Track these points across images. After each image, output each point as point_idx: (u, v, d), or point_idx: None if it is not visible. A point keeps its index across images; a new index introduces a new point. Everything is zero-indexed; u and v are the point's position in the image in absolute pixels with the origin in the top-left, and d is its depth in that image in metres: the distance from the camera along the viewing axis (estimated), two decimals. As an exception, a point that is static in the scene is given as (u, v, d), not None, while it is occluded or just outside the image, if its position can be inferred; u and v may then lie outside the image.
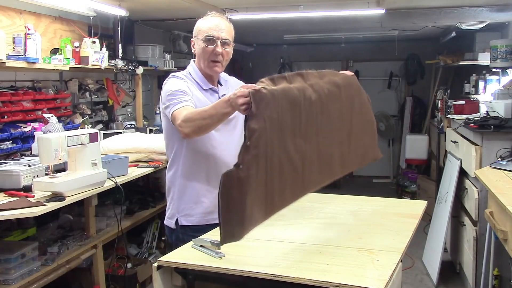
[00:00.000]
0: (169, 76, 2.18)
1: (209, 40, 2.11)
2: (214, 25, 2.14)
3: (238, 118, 2.18)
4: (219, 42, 2.12)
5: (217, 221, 1.61)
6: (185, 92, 2.06)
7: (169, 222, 2.21)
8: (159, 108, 5.30)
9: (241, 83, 2.32)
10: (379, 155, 2.16)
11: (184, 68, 2.31)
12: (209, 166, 2.14)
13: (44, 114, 3.15)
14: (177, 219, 2.17)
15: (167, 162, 2.29)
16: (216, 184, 1.85)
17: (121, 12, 3.93)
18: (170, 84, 2.10)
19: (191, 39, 2.22)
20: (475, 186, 3.44)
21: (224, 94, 2.18)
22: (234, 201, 1.45)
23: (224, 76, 2.32)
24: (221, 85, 2.27)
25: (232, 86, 2.29)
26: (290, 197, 1.63)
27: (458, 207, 3.93)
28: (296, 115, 1.59)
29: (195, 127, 1.87)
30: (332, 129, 1.78)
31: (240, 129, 2.21)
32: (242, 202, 1.45)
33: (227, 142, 2.16)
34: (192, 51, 2.22)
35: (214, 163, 2.13)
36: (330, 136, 1.76)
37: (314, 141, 1.66)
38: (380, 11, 4.26)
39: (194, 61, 2.25)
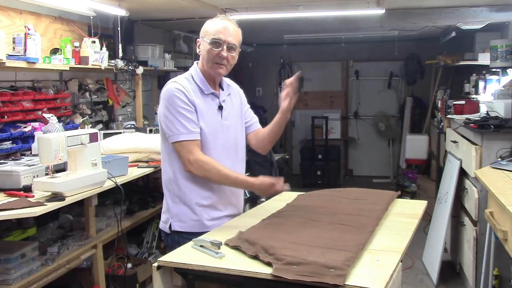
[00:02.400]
0: (172, 81, 2.13)
1: (216, 43, 2.08)
2: (222, 28, 2.10)
3: (239, 143, 2.25)
4: (225, 46, 2.09)
5: (208, 230, 2.03)
6: (190, 111, 2.07)
7: (163, 226, 2.21)
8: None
9: (241, 91, 2.38)
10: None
11: (184, 68, 2.33)
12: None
13: (44, 114, 3.15)
14: (170, 224, 2.15)
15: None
16: (214, 192, 2.13)
17: (121, 12, 3.93)
18: (174, 95, 2.07)
19: (197, 39, 2.18)
20: (475, 186, 3.44)
21: (224, 100, 2.21)
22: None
23: (226, 80, 2.31)
24: (222, 89, 2.24)
25: (234, 94, 2.30)
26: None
27: (458, 207, 3.93)
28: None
29: (204, 176, 2.06)
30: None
31: (241, 151, 2.29)
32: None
33: (231, 163, 2.18)
34: (197, 51, 2.19)
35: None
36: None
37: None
38: (380, 11, 4.26)
39: (197, 63, 2.21)
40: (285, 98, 2.17)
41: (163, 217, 2.23)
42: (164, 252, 3.39)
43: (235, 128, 2.25)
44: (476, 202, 3.38)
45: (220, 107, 2.19)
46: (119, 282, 3.35)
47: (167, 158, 2.18)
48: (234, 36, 2.13)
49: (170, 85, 2.11)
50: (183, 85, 2.11)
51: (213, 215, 2.15)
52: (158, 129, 2.31)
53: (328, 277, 1.42)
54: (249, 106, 2.39)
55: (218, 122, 2.16)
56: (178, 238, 2.10)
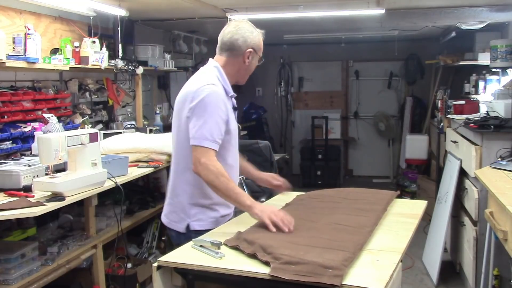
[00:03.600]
0: (211, 84, 2.08)
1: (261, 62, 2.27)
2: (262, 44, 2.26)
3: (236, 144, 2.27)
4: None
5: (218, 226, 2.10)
6: (223, 121, 2.08)
7: (176, 226, 2.20)
8: (159, 107, 5.29)
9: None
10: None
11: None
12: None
13: (44, 114, 3.15)
14: (188, 224, 2.16)
15: (169, 161, 2.30)
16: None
17: (121, 12, 3.93)
18: (216, 103, 2.06)
19: (249, 49, 2.17)
20: (475, 186, 3.44)
21: (235, 107, 2.27)
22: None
23: None
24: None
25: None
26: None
27: (458, 207, 3.93)
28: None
29: (210, 181, 2.00)
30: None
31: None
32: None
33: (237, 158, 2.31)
34: (246, 62, 2.19)
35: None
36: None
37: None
38: (380, 11, 4.26)
39: (218, 63, 2.21)
40: (273, 185, 2.46)
41: (175, 216, 2.21)
42: (164, 252, 3.39)
43: (236, 141, 2.29)
44: (476, 202, 3.38)
45: (235, 108, 2.26)
46: (119, 282, 3.35)
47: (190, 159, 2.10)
48: None
49: (212, 89, 2.07)
50: (221, 92, 2.12)
51: (224, 212, 2.23)
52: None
53: (326, 277, 1.43)
54: None
55: (235, 123, 2.24)
56: (196, 236, 2.05)
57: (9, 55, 2.97)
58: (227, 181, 2.00)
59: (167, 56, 5.16)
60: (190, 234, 2.11)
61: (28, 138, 3.23)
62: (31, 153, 3.16)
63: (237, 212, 2.26)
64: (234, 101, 2.27)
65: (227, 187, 1.99)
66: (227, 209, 2.23)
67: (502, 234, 2.42)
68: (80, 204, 3.01)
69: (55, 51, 3.54)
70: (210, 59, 2.28)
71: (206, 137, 2.01)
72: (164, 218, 2.29)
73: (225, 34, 2.19)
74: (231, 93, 2.20)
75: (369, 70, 7.95)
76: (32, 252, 2.59)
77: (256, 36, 2.20)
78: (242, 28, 2.18)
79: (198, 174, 2.02)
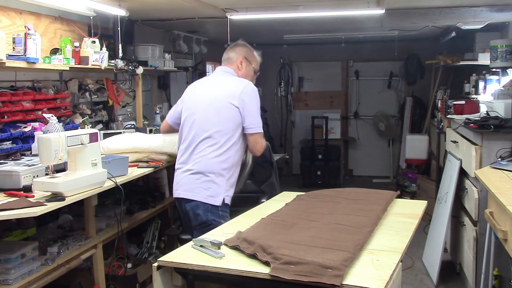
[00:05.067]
0: (250, 83, 2.79)
1: (256, 73, 2.98)
2: (260, 63, 2.99)
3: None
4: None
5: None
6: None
7: (212, 200, 2.59)
8: (159, 107, 5.29)
9: None
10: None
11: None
12: (242, 159, 2.81)
13: (44, 114, 3.15)
14: (223, 198, 2.62)
15: (169, 161, 2.52)
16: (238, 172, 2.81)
17: (121, 12, 3.93)
18: (258, 98, 2.76)
19: (243, 56, 2.89)
20: (475, 186, 3.44)
21: None
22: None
23: None
24: None
25: None
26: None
27: (458, 207, 3.93)
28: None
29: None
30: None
31: None
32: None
33: None
34: (238, 65, 2.87)
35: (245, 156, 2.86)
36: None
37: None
38: (380, 11, 4.26)
39: (231, 69, 2.87)
40: None
41: (212, 191, 2.61)
42: (164, 252, 3.39)
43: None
44: (476, 202, 3.38)
45: None
46: (119, 282, 3.35)
47: (236, 144, 2.67)
48: None
49: (254, 87, 2.77)
50: None
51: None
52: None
53: (326, 277, 1.43)
54: None
55: None
56: (222, 212, 2.62)
57: (9, 55, 2.97)
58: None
59: (167, 56, 5.16)
60: (223, 207, 2.62)
61: (28, 138, 3.23)
62: (31, 153, 3.16)
63: (237, 212, 2.27)
64: None
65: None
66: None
67: (502, 234, 2.42)
68: (80, 204, 3.01)
69: (55, 51, 3.54)
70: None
71: (261, 124, 2.70)
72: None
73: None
74: None
75: (369, 70, 7.95)
76: (32, 252, 2.59)
77: (252, 51, 2.94)
78: (244, 46, 2.97)
79: (258, 152, 2.73)
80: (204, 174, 2.62)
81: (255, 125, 2.66)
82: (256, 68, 2.94)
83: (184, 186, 2.67)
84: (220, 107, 2.67)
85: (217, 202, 2.60)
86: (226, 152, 2.63)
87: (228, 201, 2.66)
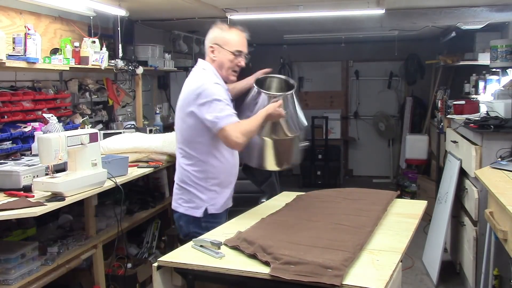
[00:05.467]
0: (208, 79, 2.33)
1: (239, 54, 2.42)
2: (242, 41, 2.44)
3: None
4: (243, 57, 2.44)
5: (227, 207, 2.48)
6: (230, 104, 2.31)
7: (192, 211, 2.38)
8: (159, 107, 5.28)
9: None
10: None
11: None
12: (233, 159, 2.47)
13: (44, 114, 3.15)
14: (206, 208, 2.38)
15: (169, 161, 2.40)
16: (232, 176, 2.49)
17: (121, 12, 3.93)
18: (216, 90, 2.29)
19: (211, 44, 2.41)
20: (475, 186, 3.44)
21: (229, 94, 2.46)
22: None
23: None
24: None
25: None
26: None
27: (458, 207, 3.93)
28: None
29: (249, 137, 2.27)
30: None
31: None
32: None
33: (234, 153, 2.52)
34: (211, 56, 2.42)
35: (234, 155, 2.48)
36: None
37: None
38: (380, 11, 4.26)
39: (206, 62, 2.44)
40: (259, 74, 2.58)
41: (191, 204, 2.40)
42: (164, 252, 3.39)
43: None
44: (476, 202, 3.38)
45: (232, 100, 2.43)
46: (119, 282, 3.35)
47: (212, 151, 2.36)
48: (246, 45, 2.47)
49: (213, 84, 2.32)
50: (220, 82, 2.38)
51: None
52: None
53: (326, 277, 1.43)
54: None
55: None
56: (206, 224, 2.35)
57: (9, 55, 2.97)
58: (252, 125, 2.25)
59: (167, 56, 5.16)
60: (202, 219, 2.39)
61: (28, 138, 3.23)
62: (31, 153, 3.16)
63: (237, 212, 2.27)
64: (229, 93, 2.44)
65: (252, 129, 2.25)
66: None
67: (502, 234, 2.42)
68: (80, 204, 3.01)
69: (55, 51, 3.54)
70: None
71: (226, 116, 2.24)
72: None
73: None
74: (225, 87, 2.41)
75: (369, 70, 7.95)
76: (32, 252, 2.59)
77: (220, 33, 2.42)
78: (212, 30, 2.46)
79: (238, 146, 2.27)
80: (182, 185, 2.44)
81: (216, 120, 2.24)
82: (233, 49, 2.40)
83: (173, 197, 2.55)
84: (182, 115, 2.38)
85: (198, 213, 2.38)
86: (199, 163, 2.37)
87: (215, 210, 2.40)
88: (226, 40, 2.39)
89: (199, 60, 2.47)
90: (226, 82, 2.45)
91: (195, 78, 2.37)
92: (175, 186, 2.49)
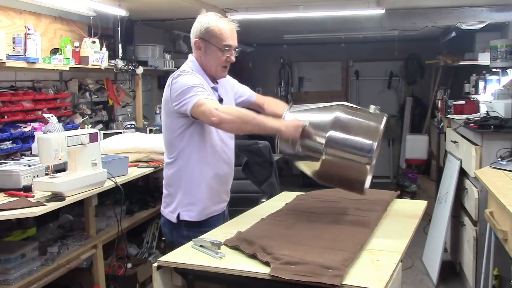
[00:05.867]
0: (180, 73, 2.11)
1: (227, 50, 2.13)
2: (230, 33, 2.13)
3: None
4: (233, 51, 2.16)
5: (213, 215, 2.23)
6: (204, 88, 2.05)
7: (171, 216, 2.21)
8: (159, 108, 5.29)
9: (235, 81, 2.42)
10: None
11: None
12: (215, 164, 2.20)
13: (44, 114, 3.15)
14: (178, 214, 2.19)
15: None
16: (217, 181, 2.21)
17: (121, 12, 3.93)
18: (186, 79, 2.06)
19: (195, 39, 2.16)
20: (475, 186, 3.44)
21: (221, 92, 2.25)
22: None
23: None
24: (217, 83, 2.27)
25: (228, 85, 2.34)
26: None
27: (458, 207, 3.93)
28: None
29: (237, 118, 1.94)
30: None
31: (231, 140, 2.30)
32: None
33: (231, 143, 2.29)
34: (197, 51, 2.18)
35: (219, 160, 2.22)
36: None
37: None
38: (380, 11, 4.26)
39: (193, 57, 2.22)
40: None
41: (171, 208, 2.24)
42: (164, 252, 3.39)
43: None
44: (476, 202, 3.38)
45: (221, 100, 2.21)
46: (119, 282, 3.35)
47: (177, 151, 2.15)
48: (236, 38, 2.17)
49: (183, 74, 2.10)
50: (195, 74, 2.12)
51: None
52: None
53: (326, 277, 1.43)
54: (236, 81, 2.44)
55: None
56: (187, 232, 2.16)
57: (9, 55, 2.97)
58: (243, 112, 1.97)
59: (167, 56, 5.15)
60: (179, 225, 2.19)
61: (28, 138, 3.23)
62: (31, 153, 3.16)
63: (237, 212, 2.26)
64: (218, 93, 2.23)
65: (245, 119, 1.95)
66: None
67: (502, 234, 2.42)
68: (80, 204, 3.01)
69: (55, 51, 3.54)
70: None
71: (198, 95, 1.99)
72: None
73: None
74: (210, 84, 2.18)
75: (369, 70, 7.95)
76: (32, 252, 2.60)
77: (204, 25, 2.12)
78: (195, 22, 2.17)
79: (219, 121, 1.94)
80: (165, 187, 2.29)
81: (185, 101, 2.01)
82: (220, 43, 2.11)
83: None
84: (163, 114, 2.21)
85: (174, 218, 2.20)
86: (174, 163, 2.19)
87: (188, 217, 2.19)
88: (210, 33, 2.11)
89: (189, 55, 2.26)
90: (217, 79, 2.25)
91: (172, 75, 2.16)
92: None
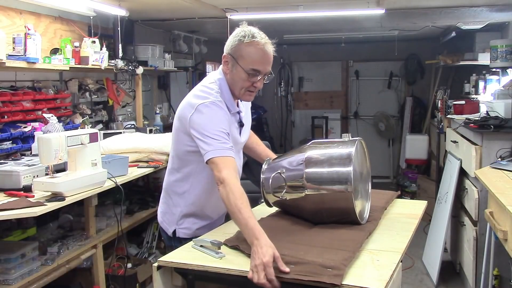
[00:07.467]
0: (205, 100, 1.89)
1: (254, 75, 1.92)
2: (261, 57, 1.91)
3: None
4: (263, 77, 1.95)
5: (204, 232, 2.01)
6: (226, 134, 1.87)
7: (166, 227, 2.17)
8: (159, 107, 5.26)
9: (250, 104, 2.22)
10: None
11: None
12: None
13: (44, 114, 3.15)
14: (175, 230, 2.12)
15: (171, 165, 2.16)
16: (218, 207, 2.07)
17: (121, 12, 3.93)
18: (210, 118, 1.87)
19: (228, 51, 1.95)
20: (475, 186, 3.44)
21: (243, 116, 2.10)
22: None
23: None
24: (238, 105, 2.11)
25: (246, 105, 2.17)
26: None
27: (458, 207, 3.93)
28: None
29: (229, 203, 1.72)
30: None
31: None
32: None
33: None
34: (224, 67, 1.98)
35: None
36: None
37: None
38: (380, 11, 4.26)
39: (223, 74, 2.00)
40: None
41: (167, 218, 2.20)
42: (164, 252, 3.39)
43: (245, 142, 2.20)
44: (476, 202, 3.38)
45: (242, 124, 2.10)
46: (119, 282, 3.35)
47: (186, 170, 2.05)
48: (271, 62, 1.96)
49: (214, 104, 1.90)
50: (222, 106, 1.94)
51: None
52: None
53: (326, 277, 1.43)
54: (251, 104, 2.30)
55: (237, 140, 2.06)
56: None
57: (9, 55, 2.97)
58: (237, 206, 1.70)
59: (167, 56, 5.16)
60: (175, 239, 2.10)
61: (28, 138, 3.23)
62: (31, 153, 3.16)
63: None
64: (240, 117, 2.08)
65: (237, 210, 1.69)
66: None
67: (502, 234, 2.42)
68: (80, 204, 3.02)
69: (55, 51, 3.54)
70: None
71: (220, 147, 1.82)
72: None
73: None
74: (234, 110, 2.02)
75: (369, 70, 7.95)
76: (32, 252, 2.60)
77: (236, 41, 1.91)
78: (232, 33, 1.97)
79: (220, 181, 1.77)
80: (165, 191, 2.22)
81: (201, 147, 1.85)
82: (248, 67, 1.90)
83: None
84: (177, 125, 2.03)
85: (170, 232, 2.13)
86: (181, 175, 2.08)
87: (187, 235, 2.07)
88: (241, 53, 1.90)
89: (221, 66, 2.03)
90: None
91: (198, 89, 1.98)
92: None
